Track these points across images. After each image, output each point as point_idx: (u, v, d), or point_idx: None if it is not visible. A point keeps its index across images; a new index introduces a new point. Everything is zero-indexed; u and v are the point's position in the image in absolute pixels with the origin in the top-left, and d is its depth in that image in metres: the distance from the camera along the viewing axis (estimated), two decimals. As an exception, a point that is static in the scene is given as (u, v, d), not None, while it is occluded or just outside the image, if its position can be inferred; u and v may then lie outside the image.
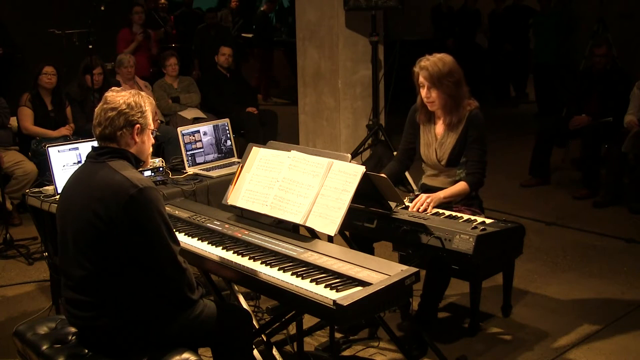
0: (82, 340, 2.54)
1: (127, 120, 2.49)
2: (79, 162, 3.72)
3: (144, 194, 2.35)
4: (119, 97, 2.51)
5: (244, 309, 2.90)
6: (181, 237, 2.83)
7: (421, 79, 3.51)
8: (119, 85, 6.36)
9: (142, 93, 2.60)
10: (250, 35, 11.50)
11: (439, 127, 3.63)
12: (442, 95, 3.49)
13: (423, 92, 3.53)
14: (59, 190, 3.66)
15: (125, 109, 2.49)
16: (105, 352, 2.47)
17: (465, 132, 3.55)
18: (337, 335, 3.52)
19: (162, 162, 4.02)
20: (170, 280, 2.47)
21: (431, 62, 3.47)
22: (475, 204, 3.62)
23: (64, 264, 2.50)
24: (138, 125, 2.52)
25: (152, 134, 2.62)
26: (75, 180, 2.54)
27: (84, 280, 2.40)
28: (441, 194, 3.45)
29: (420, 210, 3.35)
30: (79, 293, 2.43)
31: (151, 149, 2.65)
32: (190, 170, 4.17)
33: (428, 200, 3.38)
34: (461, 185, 3.51)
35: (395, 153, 6.05)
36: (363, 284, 2.42)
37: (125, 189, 2.34)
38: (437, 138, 3.63)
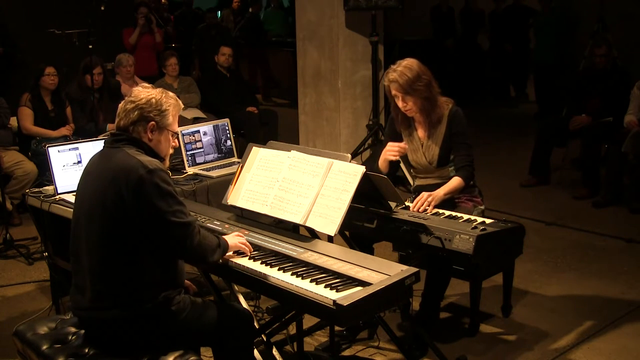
0: (85, 334, 2.56)
1: (141, 115, 2.50)
2: (79, 162, 3.73)
3: (152, 175, 2.36)
4: (143, 92, 2.53)
5: (245, 309, 2.90)
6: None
7: (394, 92, 3.53)
8: (118, 85, 6.38)
9: (171, 94, 2.60)
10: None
11: (421, 131, 3.66)
12: (418, 100, 3.51)
13: (399, 102, 3.55)
14: (59, 190, 3.67)
15: (143, 104, 2.50)
16: (106, 347, 2.48)
17: (449, 130, 3.58)
18: (337, 328, 3.52)
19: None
20: (179, 257, 2.54)
21: (399, 73, 3.47)
22: (476, 191, 3.69)
23: (75, 250, 2.51)
24: (153, 123, 2.52)
25: (172, 136, 2.60)
26: (91, 167, 2.56)
27: (94, 266, 2.42)
28: (441, 192, 3.47)
29: (420, 210, 3.36)
30: (87, 279, 2.44)
31: (171, 151, 2.65)
32: (190, 170, 4.17)
33: (429, 199, 3.39)
34: (457, 181, 3.54)
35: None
36: (363, 284, 2.42)
37: (136, 170, 2.36)
38: (422, 142, 3.65)
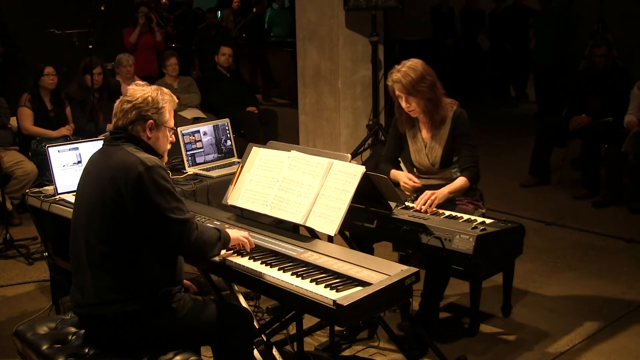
0: (85, 332, 2.57)
1: (139, 115, 2.53)
2: (79, 162, 3.73)
3: (151, 171, 2.39)
4: (138, 91, 2.56)
5: (245, 308, 2.91)
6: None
7: (397, 92, 3.52)
8: (118, 85, 6.38)
9: (166, 90, 2.64)
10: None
11: (425, 132, 3.66)
12: (421, 101, 3.51)
13: (402, 103, 3.55)
14: (59, 190, 3.67)
15: (140, 103, 2.53)
16: (106, 346, 2.49)
17: (453, 132, 3.58)
18: (337, 328, 3.52)
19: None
20: (177, 253, 2.55)
21: (402, 74, 3.47)
22: (477, 194, 3.68)
23: (75, 248, 2.53)
24: (151, 121, 2.55)
25: (169, 132, 2.63)
26: (91, 165, 2.59)
27: (94, 263, 2.43)
28: (445, 190, 3.46)
29: (423, 209, 3.35)
30: (87, 277, 2.45)
31: (169, 146, 2.68)
32: (190, 170, 4.17)
33: (432, 197, 3.38)
34: (462, 181, 3.53)
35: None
36: (363, 284, 2.42)
37: (135, 167, 2.39)
38: (425, 143, 3.65)
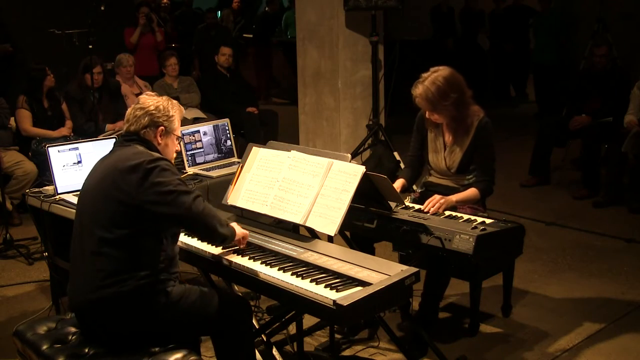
0: (82, 328, 2.58)
1: (152, 121, 2.67)
2: (79, 162, 3.73)
3: (160, 161, 2.54)
4: (150, 100, 2.72)
5: (241, 296, 2.93)
6: (181, 237, 2.83)
7: (420, 105, 3.50)
8: (118, 84, 6.38)
9: (175, 102, 2.79)
10: (251, 36, 11.48)
11: (447, 135, 3.63)
12: (444, 116, 3.48)
13: (426, 112, 3.52)
14: (59, 190, 3.67)
15: (152, 110, 2.68)
16: (104, 341, 2.50)
17: (475, 142, 3.55)
18: (337, 335, 3.51)
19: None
20: (196, 231, 2.70)
21: (424, 89, 3.39)
22: (480, 202, 3.65)
23: (77, 236, 2.58)
24: (162, 128, 2.69)
25: (176, 140, 2.77)
26: (100, 163, 2.67)
27: (95, 248, 2.47)
28: (454, 198, 3.44)
29: (431, 211, 3.34)
30: (87, 262, 2.50)
31: (174, 155, 2.81)
32: (190, 170, 4.17)
33: (442, 201, 3.37)
34: (473, 192, 3.52)
35: (395, 153, 6.08)
36: (363, 284, 2.42)
37: (146, 158, 2.52)
38: (445, 146, 3.62)
